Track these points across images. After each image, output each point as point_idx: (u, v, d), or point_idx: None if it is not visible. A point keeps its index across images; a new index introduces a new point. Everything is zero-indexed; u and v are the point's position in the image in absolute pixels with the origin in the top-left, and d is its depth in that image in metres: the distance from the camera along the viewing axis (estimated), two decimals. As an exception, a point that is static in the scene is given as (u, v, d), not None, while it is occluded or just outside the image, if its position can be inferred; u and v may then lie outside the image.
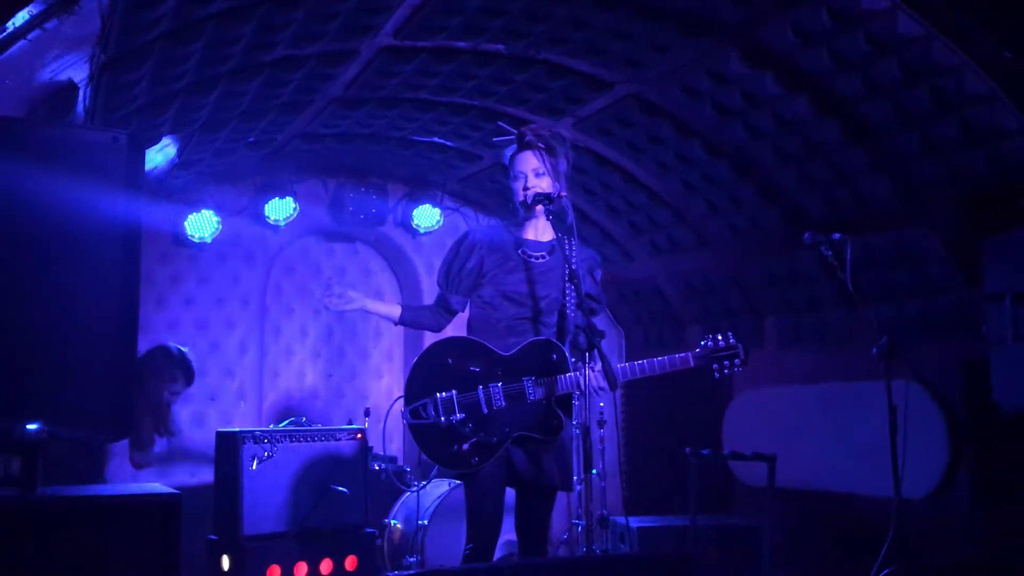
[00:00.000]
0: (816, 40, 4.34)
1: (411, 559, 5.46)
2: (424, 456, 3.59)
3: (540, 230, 3.79)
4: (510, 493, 3.73)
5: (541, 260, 3.74)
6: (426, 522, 5.46)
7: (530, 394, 3.55)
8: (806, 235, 4.37)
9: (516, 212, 3.81)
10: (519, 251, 3.74)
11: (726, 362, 3.75)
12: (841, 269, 4.18)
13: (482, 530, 3.56)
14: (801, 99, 4.74)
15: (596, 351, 3.61)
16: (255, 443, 4.93)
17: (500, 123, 4.03)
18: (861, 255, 5.04)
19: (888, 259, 5.17)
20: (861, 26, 4.16)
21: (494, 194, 6.95)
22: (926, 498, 5.01)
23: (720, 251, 6.28)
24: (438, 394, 3.52)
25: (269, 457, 4.95)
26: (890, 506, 4.12)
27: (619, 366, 3.60)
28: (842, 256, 4.22)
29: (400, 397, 3.69)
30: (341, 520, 5.09)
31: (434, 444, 3.52)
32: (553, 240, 3.76)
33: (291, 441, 5.07)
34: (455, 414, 3.50)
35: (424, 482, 5.64)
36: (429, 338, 3.85)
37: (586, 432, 3.67)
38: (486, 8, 4.37)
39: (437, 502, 5.50)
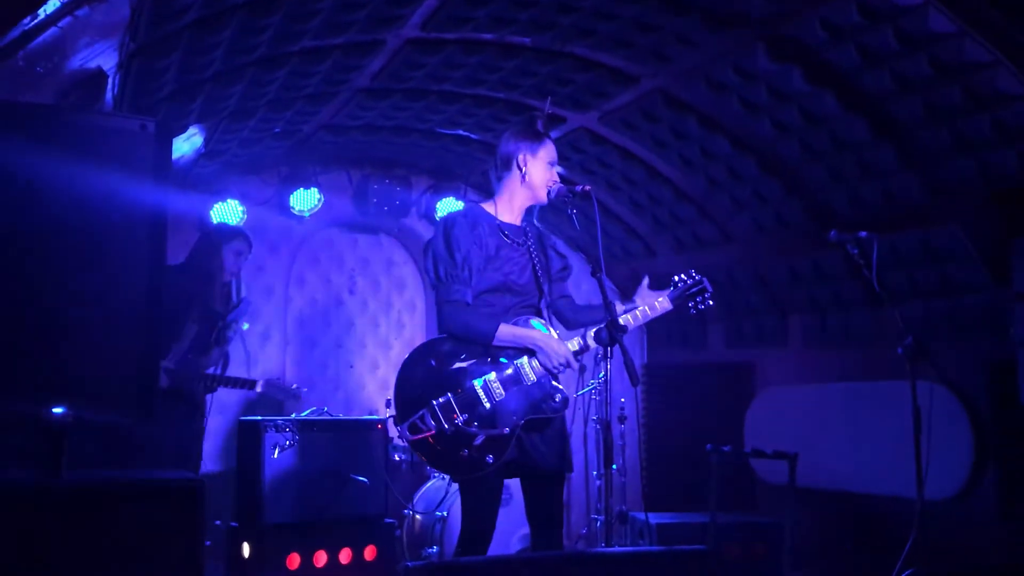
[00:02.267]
0: (845, 36, 4.29)
1: (430, 550, 5.47)
2: (433, 470, 3.48)
3: (517, 215, 3.69)
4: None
5: (523, 244, 3.65)
6: (446, 513, 5.47)
7: (526, 375, 3.46)
8: (832, 233, 4.33)
9: (492, 192, 3.70)
10: (508, 239, 3.60)
11: (699, 298, 3.76)
12: (867, 268, 4.14)
13: (480, 533, 3.41)
14: (829, 95, 4.70)
15: (619, 346, 3.59)
16: (277, 432, 4.96)
17: (550, 100, 3.97)
18: (888, 253, 5.01)
19: (915, 257, 5.12)
20: (891, 22, 4.12)
21: (518, 187, 6.95)
22: (950, 500, 4.97)
23: (744, 248, 6.24)
24: (434, 401, 3.36)
25: (290, 446, 4.98)
26: (913, 508, 4.09)
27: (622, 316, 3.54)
28: (868, 255, 4.19)
29: (391, 416, 3.57)
30: (361, 510, 5.11)
31: (441, 453, 3.35)
32: (524, 223, 3.70)
33: (312, 430, 5.10)
34: (457, 417, 3.34)
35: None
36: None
37: (606, 427, 3.66)
38: None
39: (457, 493, 5.51)
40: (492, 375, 3.42)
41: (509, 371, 3.44)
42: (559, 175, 3.73)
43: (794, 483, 5.01)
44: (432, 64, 5.03)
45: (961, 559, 4.67)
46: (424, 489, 5.80)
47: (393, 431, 5.39)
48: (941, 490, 4.90)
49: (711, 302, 3.75)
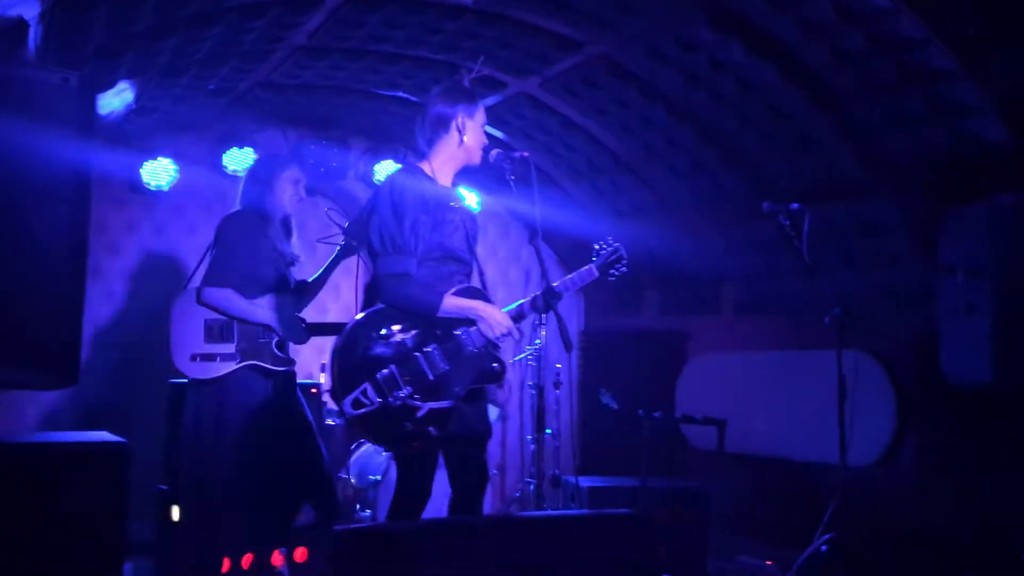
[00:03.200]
0: (785, 8, 4.32)
1: (363, 514, 5.48)
2: (374, 444, 3.40)
3: (449, 177, 3.64)
4: None
5: (456, 209, 3.57)
6: (379, 477, 5.47)
7: (468, 345, 3.41)
8: (765, 204, 4.39)
9: (423, 155, 3.63)
10: (451, 203, 3.54)
11: (617, 266, 3.82)
12: (798, 239, 4.22)
13: (414, 500, 3.44)
14: (768, 66, 4.73)
15: (553, 312, 3.61)
16: (208, 395, 4.88)
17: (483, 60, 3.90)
18: (822, 225, 5.09)
19: (849, 230, 5.22)
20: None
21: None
22: (872, 466, 5.12)
23: (681, 217, 6.30)
24: (377, 374, 3.26)
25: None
26: (837, 473, 4.20)
27: (554, 285, 3.50)
28: (799, 226, 4.26)
29: (328, 390, 3.49)
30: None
31: (384, 428, 3.28)
32: (452, 186, 3.66)
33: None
34: (401, 390, 3.27)
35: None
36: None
37: (540, 392, 3.69)
38: (454, -39, 4.31)
39: (391, 458, 5.51)
40: (435, 346, 3.36)
41: (450, 342, 3.39)
42: (499, 140, 3.72)
43: (723, 449, 5.12)
44: (372, 23, 4.94)
45: (881, 523, 4.83)
46: (358, 454, 5.79)
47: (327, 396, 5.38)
48: (864, 456, 5.05)
49: (625, 269, 3.81)
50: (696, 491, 5.48)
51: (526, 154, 3.74)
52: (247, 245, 4.17)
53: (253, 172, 4.44)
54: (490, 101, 5.96)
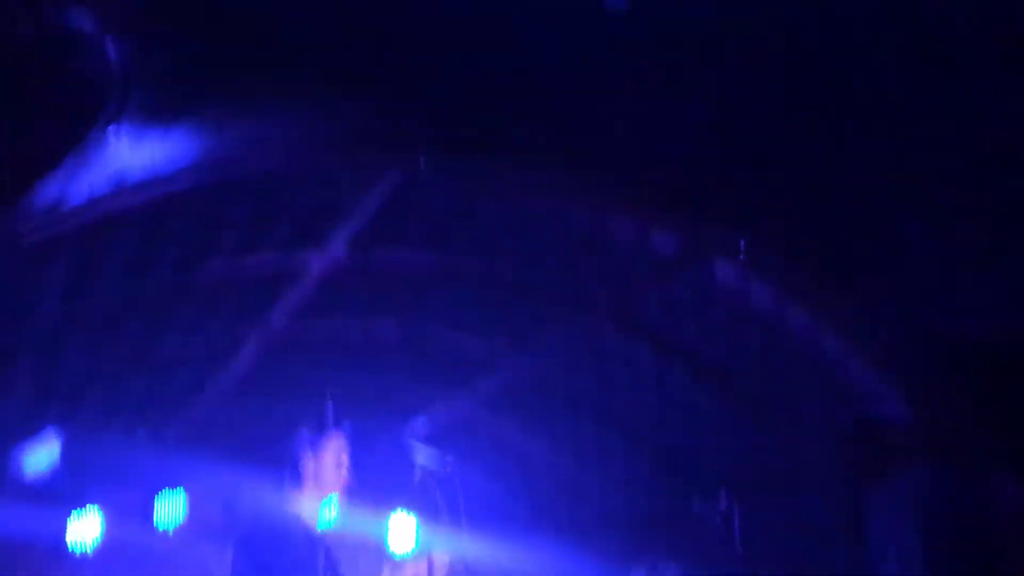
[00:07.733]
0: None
1: None
2: None
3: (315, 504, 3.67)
4: None
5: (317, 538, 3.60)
6: None
7: None
8: (695, 504, 4.41)
9: None
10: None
11: None
12: (729, 534, 4.22)
13: None
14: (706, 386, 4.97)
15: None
16: None
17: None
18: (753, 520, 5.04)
19: (779, 522, 5.17)
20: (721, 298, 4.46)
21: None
22: None
23: (620, 534, 6.16)
24: None
25: None
26: None
27: None
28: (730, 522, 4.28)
29: None
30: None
31: None
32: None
33: None
34: None
35: None
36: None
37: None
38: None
39: None
40: None
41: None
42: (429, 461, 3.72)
43: None
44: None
45: None
46: None
47: None
48: None
49: None
50: None
51: (449, 469, 3.75)
52: None
53: None
54: (422, 424, 6.02)
